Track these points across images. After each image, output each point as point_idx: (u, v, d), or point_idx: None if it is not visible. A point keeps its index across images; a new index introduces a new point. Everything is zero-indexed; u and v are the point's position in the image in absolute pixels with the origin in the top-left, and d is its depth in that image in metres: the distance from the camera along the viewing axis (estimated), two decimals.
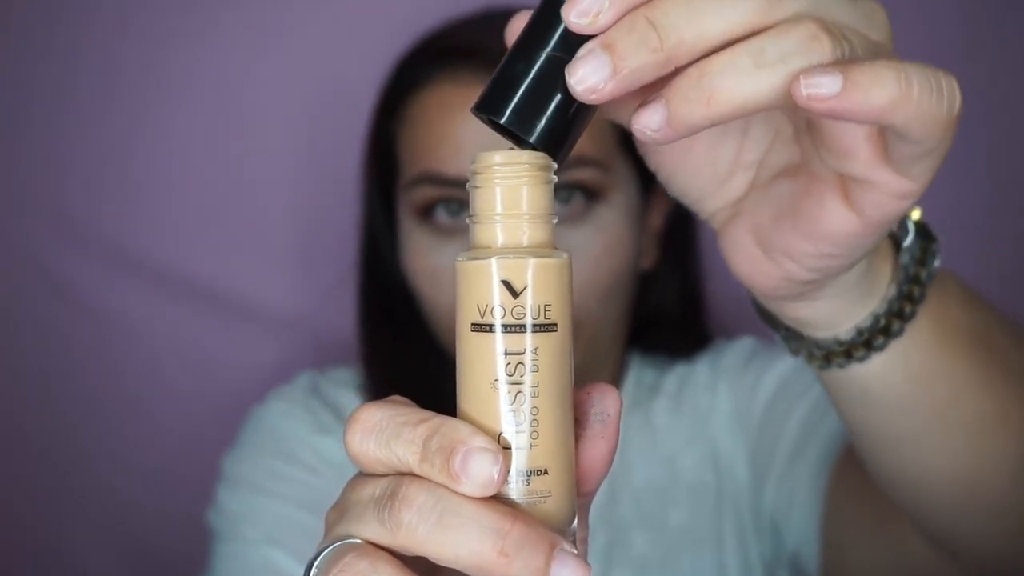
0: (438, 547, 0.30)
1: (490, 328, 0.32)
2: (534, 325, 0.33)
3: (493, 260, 0.33)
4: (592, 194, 0.68)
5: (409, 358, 0.76)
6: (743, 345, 0.78)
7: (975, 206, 0.87)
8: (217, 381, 0.92)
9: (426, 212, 0.69)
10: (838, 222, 0.36)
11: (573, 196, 0.68)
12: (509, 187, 0.33)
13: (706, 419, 0.75)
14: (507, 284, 0.32)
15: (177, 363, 0.93)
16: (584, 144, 0.66)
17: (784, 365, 0.73)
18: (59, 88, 0.88)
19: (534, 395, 0.33)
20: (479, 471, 0.30)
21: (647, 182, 0.73)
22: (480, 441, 0.31)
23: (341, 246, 0.85)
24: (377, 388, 0.75)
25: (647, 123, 0.31)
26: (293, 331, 0.93)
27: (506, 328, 0.32)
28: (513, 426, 0.33)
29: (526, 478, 0.33)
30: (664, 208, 0.77)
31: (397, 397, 0.34)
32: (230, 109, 0.90)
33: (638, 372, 0.79)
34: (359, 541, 0.32)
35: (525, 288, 0.32)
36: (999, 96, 0.87)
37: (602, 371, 0.75)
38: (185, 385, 0.93)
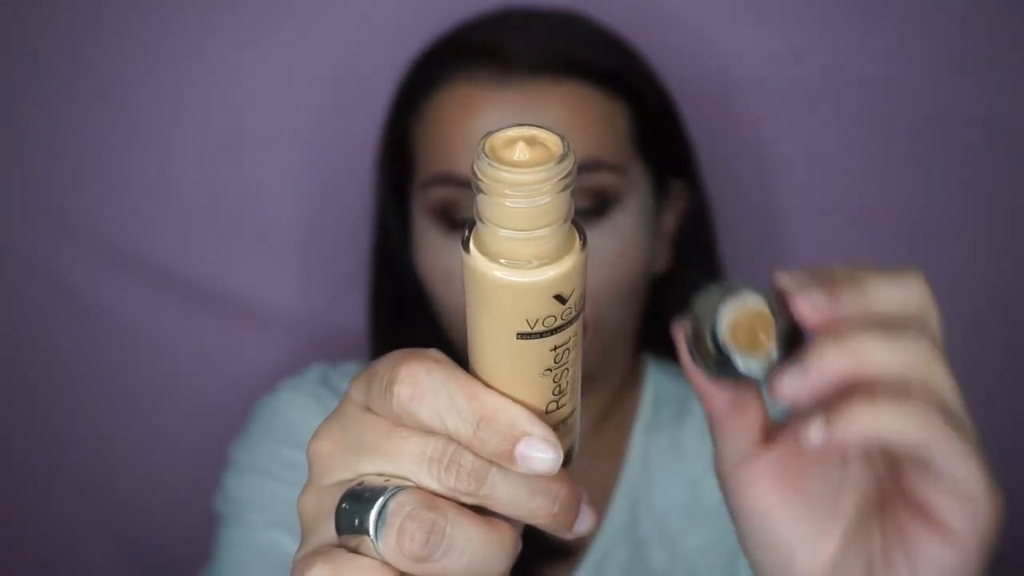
0: (501, 508, 0.34)
1: (540, 335, 0.33)
2: (575, 317, 0.33)
3: (546, 276, 0.32)
4: (608, 197, 0.68)
5: None
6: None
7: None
8: (222, 381, 0.92)
9: (441, 212, 0.69)
10: (935, 551, 0.37)
11: (589, 199, 0.68)
12: (542, 200, 0.31)
13: None
14: (559, 296, 0.32)
15: (181, 364, 0.93)
16: (601, 148, 0.67)
17: None
18: (58, 86, 0.88)
19: (574, 365, 0.35)
20: (540, 463, 0.33)
21: (661, 185, 0.73)
22: (539, 429, 0.33)
23: (349, 247, 0.85)
24: None
25: (811, 434, 0.35)
26: (300, 332, 0.93)
27: (556, 330, 0.33)
28: (560, 396, 0.35)
29: (567, 423, 0.36)
30: (677, 212, 0.77)
31: (435, 353, 0.35)
32: (237, 107, 0.89)
33: (657, 383, 0.79)
34: (412, 485, 0.34)
35: (572, 291, 0.32)
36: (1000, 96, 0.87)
37: (616, 372, 0.76)
38: (189, 385, 0.93)
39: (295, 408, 0.76)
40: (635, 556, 0.72)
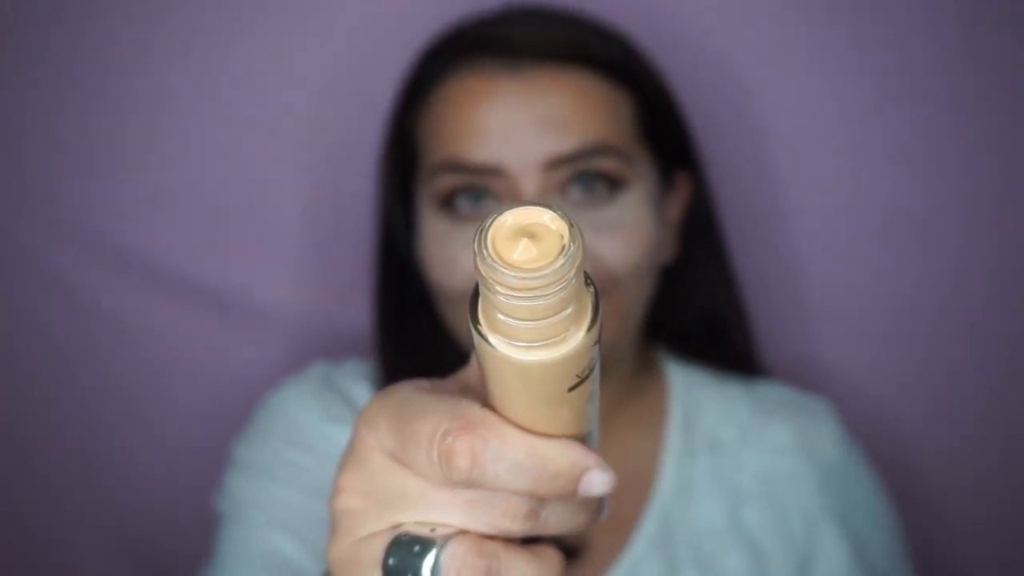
0: (550, 533, 0.35)
1: (587, 376, 0.32)
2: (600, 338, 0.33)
3: (582, 336, 0.31)
4: (614, 183, 0.69)
5: (423, 350, 0.76)
6: (835, 437, 0.79)
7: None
8: (223, 381, 0.92)
9: (447, 201, 0.70)
10: None
11: (596, 185, 0.68)
12: (565, 291, 0.30)
13: (781, 490, 0.76)
14: (598, 341, 0.32)
15: (181, 364, 0.93)
16: (607, 133, 0.68)
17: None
18: (59, 84, 0.88)
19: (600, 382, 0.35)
20: (600, 488, 0.34)
21: (666, 175, 0.74)
22: (593, 459, 0.34)
23: (350, 245, 0.84)
24: (390, 378, 0.75)
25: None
26: (301, 330, 0.93)
27: (596, 365, 0.33)
28: (594, 408, 0.35)
29: (591, 421, 0.36)
30: (682, 201, 0.78)
31: (478, 412, 0.34)
32: (238, 106, 0.89)
33: (682, 390, 0.79)
34: (457, 531, 0.34)
35: (601, 327, 0.32)
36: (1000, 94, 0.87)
37: (627, 359, 0.76)
38: (190, 385, 0.93)
39: (297, 406, 0.76)
40: (668, 573, 0.72)
